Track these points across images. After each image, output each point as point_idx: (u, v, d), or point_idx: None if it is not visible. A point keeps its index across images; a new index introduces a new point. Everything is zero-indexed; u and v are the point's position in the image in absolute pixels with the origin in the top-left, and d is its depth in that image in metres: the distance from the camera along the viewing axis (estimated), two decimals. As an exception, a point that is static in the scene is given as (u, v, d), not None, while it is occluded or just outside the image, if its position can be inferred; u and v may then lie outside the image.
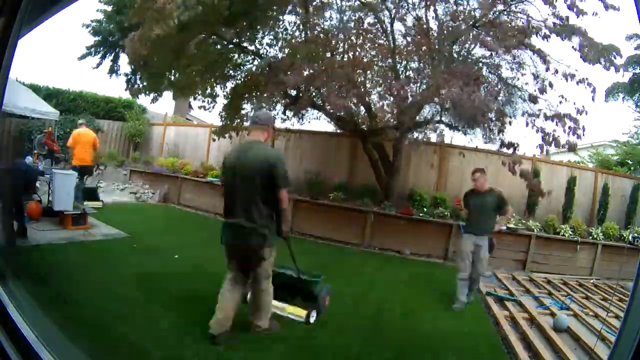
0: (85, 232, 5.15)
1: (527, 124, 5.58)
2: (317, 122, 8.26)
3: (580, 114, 5.24)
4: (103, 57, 13.09)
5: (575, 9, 5.16)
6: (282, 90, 5.83)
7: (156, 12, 4.92)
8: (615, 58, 5.09)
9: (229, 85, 7.53)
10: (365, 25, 6.39)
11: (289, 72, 5.22)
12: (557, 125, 5.27)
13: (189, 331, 2.71)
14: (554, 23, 5.38)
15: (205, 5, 4.89)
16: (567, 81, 5.33)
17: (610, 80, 14.79)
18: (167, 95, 7.55)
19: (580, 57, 5.14)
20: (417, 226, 6.85)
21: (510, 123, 5.74)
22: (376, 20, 6.29)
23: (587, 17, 5.15)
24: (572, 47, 5.25)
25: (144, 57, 5.89)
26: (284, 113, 7.59)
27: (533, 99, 5.60)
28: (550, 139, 5.18)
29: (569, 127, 5.19)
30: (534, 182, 5.55)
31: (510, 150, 5.58)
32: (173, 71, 6.88)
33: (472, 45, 6.25)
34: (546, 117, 5.38)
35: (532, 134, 5.38)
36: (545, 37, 5.34)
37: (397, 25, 6.36)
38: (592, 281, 6.28)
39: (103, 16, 12.45)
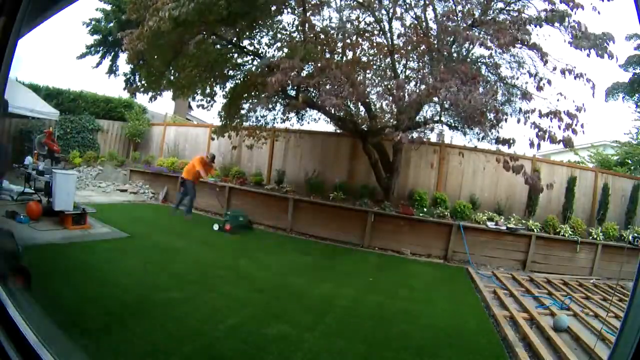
0: (85, 232, 5.15)
1: (518, 121, 5.55)
2: (317, 122, 8.28)
3: (580, 112, 5.21)
4: (103, 57, 13.08)
5: (570, 4, 5.12)
6: (274, 90, 5.77)
7: (152, 9, 4.93)
8: (607, 44, 4.92)
9: (229, 85, 7.53)
10: (363, 24, 6.37)
11: (277, 73, 5.16)
12: (551, 121, 5.22)
13: (187, 337, 2.71)
14: (545, 9, 5.30)
15: (198, 3, 4.87)
16: (564, 77, 5.27)
17: (609, 75, 14.76)
18: (167, 95, 7.54)
19: (572, 45, 5.04)
20: (417, 226, 6.85)
21: (505, 120, 5.71)
22: (374, 20, 6.28)
23: (583, 12, 5.09)
24: (564, 39, 5.18)
25: (141, 53, 5.88)
26: (283, 113, 7.59)
27: (528, 97, 5.56)
28: (546, 136, 5.13)
29: (566, 124, 5.15)
30: (530, 176, 5.50)
31: (506, 147, 5.57)
32: (172, 71, 6.87)
33: (471, 45, 6.24)
34: (540, 115, 5.34)
35: (528, 131, 5.33)
36: (538, 23, 5.23)
37: (396, 24, 6.35)
38: (592, 281, 6.28)
39: (102, 15, 12.46)
